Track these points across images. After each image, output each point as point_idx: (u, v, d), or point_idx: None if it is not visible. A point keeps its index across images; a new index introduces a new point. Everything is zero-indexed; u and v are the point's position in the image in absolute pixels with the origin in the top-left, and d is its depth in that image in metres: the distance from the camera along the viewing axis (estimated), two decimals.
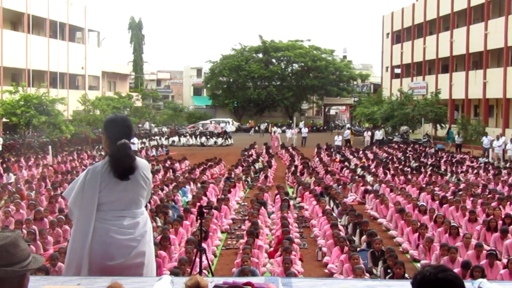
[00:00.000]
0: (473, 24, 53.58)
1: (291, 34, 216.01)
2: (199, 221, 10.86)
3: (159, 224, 17.02)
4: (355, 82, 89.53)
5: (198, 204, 16.34)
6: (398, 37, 69.76)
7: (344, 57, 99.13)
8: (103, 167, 5.33)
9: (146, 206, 16.47)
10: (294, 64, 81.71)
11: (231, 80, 79.98)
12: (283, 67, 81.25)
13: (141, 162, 5.51)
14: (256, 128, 70.21)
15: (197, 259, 10.49)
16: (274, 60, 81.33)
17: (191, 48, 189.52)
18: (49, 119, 38.52)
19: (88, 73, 61.76)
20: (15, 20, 52.73)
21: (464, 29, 54.63)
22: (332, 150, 41.62)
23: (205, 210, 11.67)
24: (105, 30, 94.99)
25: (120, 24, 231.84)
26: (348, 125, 70.66)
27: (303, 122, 56.92)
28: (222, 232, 17.89)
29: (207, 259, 10.91)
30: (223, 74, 79.57)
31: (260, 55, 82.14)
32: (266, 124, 69.33)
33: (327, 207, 18.71)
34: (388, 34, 72.09)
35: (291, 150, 41.77)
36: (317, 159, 37.08)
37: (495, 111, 53.67)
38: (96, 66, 63.57)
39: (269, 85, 79.04)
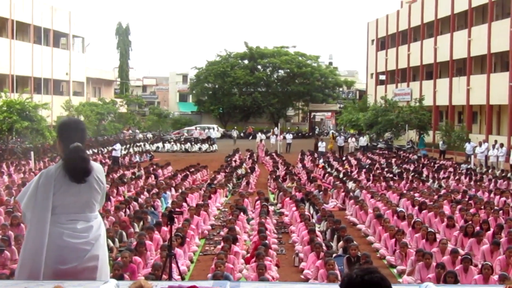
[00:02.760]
0: (457, 31, 53.83)
1: (277, 41, 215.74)
2: (169, 226, 10.82)
3: (137, 230, 16.96)
4: (340, 89, 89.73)
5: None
6: (382, 43, 69.98)
7: (330, 63, 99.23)
8: (57, 171, 5.29)
9: (125, 211, 16.46)
10: (279, 71, 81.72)
11: (216, 86, 79.87)
12: (268, 73, 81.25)
13: (96, 166, 5.47)
14: (241, 134, 70.32)
15: (171, 264, 10.42)
16: (259, 67, 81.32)
17: (177, 54, 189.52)
18: (32, 125, 38.30)
19: (73, 79, 61.63)
20: None
21: (448, 36, 54.90)
22: (315, 156, 41.66)
23: (175, 216, 11.62)
24: (90, 36, 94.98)
25: (106, 30, 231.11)
26: (332, 131, 70.77)
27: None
28: (201, 238, 17.86)
29: (176, 264, 10.84)
30: (209, 81, 79.48)
31: (246, 62, 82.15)
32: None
33: (306, 213, 18.70)
34: (373, 40, 72.29)
35: (274, 156, 41.76)
36: (300, 165, 37.09)
37: (479, 118, 53.91)
38: (81, 72, 63.42)
39: (254, 91, 79.02)
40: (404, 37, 64.37)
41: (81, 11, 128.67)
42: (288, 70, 79.59)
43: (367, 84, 75.90)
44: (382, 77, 70.76)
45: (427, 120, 51.37)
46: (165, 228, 16.68)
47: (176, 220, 17.22)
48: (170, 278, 10.01)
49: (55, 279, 4.93)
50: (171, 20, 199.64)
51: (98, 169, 5.47)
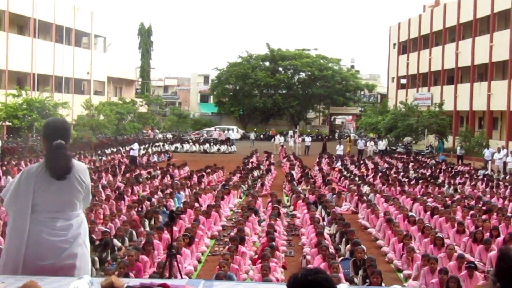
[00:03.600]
0: (479, 36, 53.50)
1: (299, 43, 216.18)
2: (170, 226, 10.88)
3: (147, 229, 17.07)
4: (362, 92, 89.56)
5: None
6: (404, 47, 69.73)
7: (352, 66, 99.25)
8: (38, 169, 5.38)
9: (137, 211, 16.54)
10: (300, 73, 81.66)
11: (237, 87, 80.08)
12: (289, 75, 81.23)
13: (78, 165, 5.54)
14: (261, 136, 70.47)
15: (172, 263, 10.49)
16: (280, 69, 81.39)
17: (199, 55, 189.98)
18: None
19: (94, 78, 62.10)
20: (21, 24, 53.15)
21: (470, 41, 54.57)
22: (333, 159, 41.61)
23: (175, 215, 11.69)
24: (112, 35, 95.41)
25: (129, 30, 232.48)
26: (351, 134, 70.64)
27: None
28: (211, 238, 17.94)
29: (177, 263, 10.91)
30: (230, 82, 79.63)
31: (267, 63, 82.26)
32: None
33: (317, 215, 18.70)
34: (394, 44, 72.08)
35: (292, 158, 41.77)
36: (317, 168, 37.08)
37: (499, 124, 53.52)
38: (102, 72, 63.88)
39: (275, 93, 79.13)
40: (425, 42, 64.10)
41: (104, 11, 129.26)
42: (309, 73, 79.58)
43: (388, 88, 75.70)
44: (403, 81, 70.49)
45: (446, 125, 51.08)
46: (175, 228, 16.81)
47: (180, 220, 17.47)
48: (170, 277, 10.08)
49: (34, 275, 5.01)
50: (193, 21, 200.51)
51: (81, 168, 5.54)
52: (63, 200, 5.39)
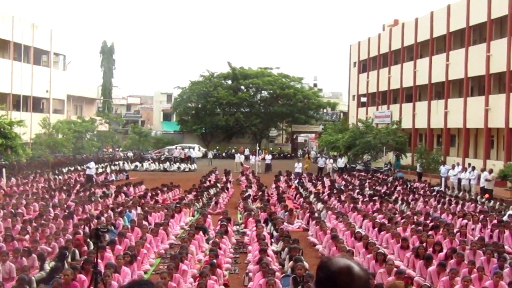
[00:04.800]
0: (436, 55, 54.22)
1: (261, 62, 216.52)
2: (95, 244, 10.78)
3: (91, 248, 16.90)
4: (324, 110, 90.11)
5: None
6: (364, 66, 70.34)
7: (315, 85, 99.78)
8: None
9: (84, 229, 16.31)
10: (262, 91, 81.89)
11: (199, 106, 80.00)
12: (251, 94, 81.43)
13: None
14: (223, 154, 70.46)
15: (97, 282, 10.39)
16: (242, 87, 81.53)
17: (162, 74, 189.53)
18: (6, 142, 38.16)
19: (53, 97, 61.54)
20: None
21: (427, 60, 55.29)
22: (291, 177, 41.78)
23: (100, 233, 11.60)
24: (73, 53, 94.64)
25: (92, 48, 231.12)
26: (313, 152, 71.01)
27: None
28: (158, 256, 17.85)
29: (102, 282, 10.81)
30: (192, 100, 79.60)
31: (229, 82, 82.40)
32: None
33: (265, 232, 18.72)
34: (355, 63, 72.71)
35: (250, 176, 41.83)
36: (274, 185, 37.19)
37: (457, 141, 54.18)
38: (61, 90, 63.36)
39: (237, 112, 79.11)
40: (385, 60, 64.76)
41: (64, 29, 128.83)
42: (271, 91, 79.84)
43: (349, 106, 76.30)
44: (364, 99, 71.05)
45: (404, 142, 51.55)
46: (119, 247, 16.68)
47: (126, 238, 17.35)
48: None
49: None
50: (156, 39, 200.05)
51: None
52: None
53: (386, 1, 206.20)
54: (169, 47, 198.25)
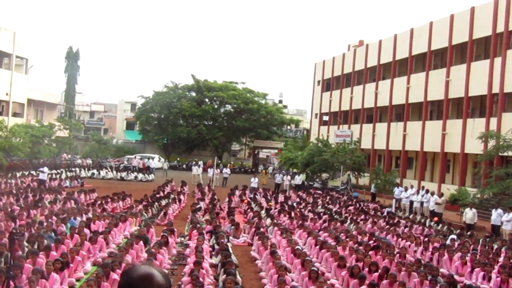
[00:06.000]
0: (397, 77, 54.80)
1: (227, 76, 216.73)
2: (8, 248, 10.65)
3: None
4: (288, 127, 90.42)
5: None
6: (328, 85, 70.77)
7: (280, 101, 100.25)
8: None
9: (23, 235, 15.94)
10: (226, 105, 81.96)
11: (162, 116, 79.86)
12: (215, 107, 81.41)
13: None
14: (184, 166, 70.19)
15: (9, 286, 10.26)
16: (206, 100, 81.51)
17: (127, 82, 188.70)
18: None
19: (13, 100, 60.79)
20: None
21: (389, 82, 55.82)
22: (246, 191, 41.76)
23: (15, 237, 11.48)
24: (37, 58, 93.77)
25: (57, 53, 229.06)
26: (270, 168, 71.23)
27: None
28: (94, 264, 17.68)
29: (14, 286, 10.67)
30: (155, 110, 79.44)
31: (193, 94, 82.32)
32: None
33: (204, 245, 18.67)
34: (319, 81, 73.14)
35: (205, 189, 41.75)
36: (227, 199, 37.15)
37: (414, 163, 54.74)
38: (22, 93, 62.62)
39: (200, 124, 79.09)
40: (348, 80, 65.25)
41: (29, 33, 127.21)
42: (235, 105, 79.95)
43: (311, 124, 76.69)
44: (326, 118, 71.46)
45: (362, 162, 51.84)
46: (54, 253, 16.49)
47: (63, 245, 17.17)
48: None
49: None
50: (123, 48, 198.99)
51: None
52: None
53: (353, 21, 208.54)
54: (135, 56, 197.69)
